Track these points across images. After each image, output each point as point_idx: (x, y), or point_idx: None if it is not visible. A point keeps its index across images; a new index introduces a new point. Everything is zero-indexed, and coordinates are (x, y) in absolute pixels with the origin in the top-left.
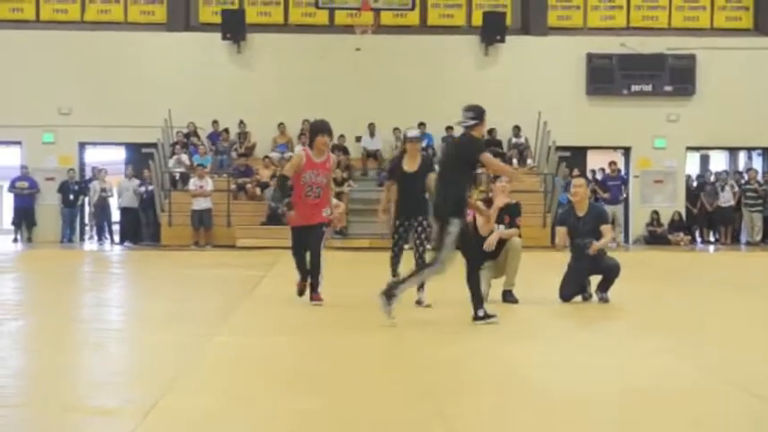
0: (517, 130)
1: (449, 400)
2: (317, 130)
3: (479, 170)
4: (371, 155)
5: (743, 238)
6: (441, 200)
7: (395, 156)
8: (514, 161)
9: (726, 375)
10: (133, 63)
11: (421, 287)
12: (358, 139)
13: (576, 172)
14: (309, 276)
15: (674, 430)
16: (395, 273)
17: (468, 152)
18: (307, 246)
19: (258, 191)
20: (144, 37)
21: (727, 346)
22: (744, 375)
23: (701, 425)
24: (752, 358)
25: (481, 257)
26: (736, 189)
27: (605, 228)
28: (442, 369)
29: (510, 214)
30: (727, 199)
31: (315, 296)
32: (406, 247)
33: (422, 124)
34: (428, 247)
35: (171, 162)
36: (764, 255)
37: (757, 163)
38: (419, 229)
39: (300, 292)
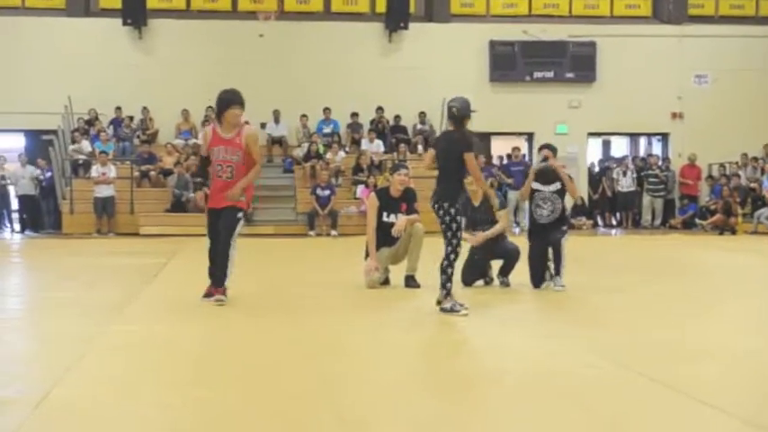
0: (422, 116)
1: (342, 387)
2: (226, 101)
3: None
4: (276, 141)
5: (643, 222)
6: None
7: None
8: (420, 147)
9: (621, 359)
10: (32, 49)
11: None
12: (263, 125)
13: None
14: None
15: (565, 414)
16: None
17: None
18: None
19: (162, 178)
20: (43, 22)
21: (623, 330)
22: (639, 358)
23: (593, 409)
24: (647, 342)
25: None
26: (635, 174)
27: (500, 214)
28: (339, 356)
29: (406, 201)
30: (628, 184)
31: (213, 290)
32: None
33: (327, 110)
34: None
35: (72, 149)
36: (665, 238)
37: (657, 148)
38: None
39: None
